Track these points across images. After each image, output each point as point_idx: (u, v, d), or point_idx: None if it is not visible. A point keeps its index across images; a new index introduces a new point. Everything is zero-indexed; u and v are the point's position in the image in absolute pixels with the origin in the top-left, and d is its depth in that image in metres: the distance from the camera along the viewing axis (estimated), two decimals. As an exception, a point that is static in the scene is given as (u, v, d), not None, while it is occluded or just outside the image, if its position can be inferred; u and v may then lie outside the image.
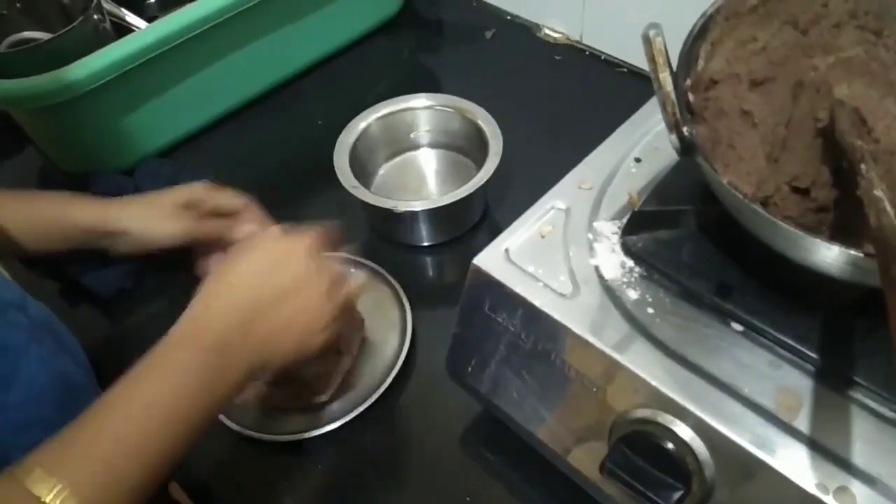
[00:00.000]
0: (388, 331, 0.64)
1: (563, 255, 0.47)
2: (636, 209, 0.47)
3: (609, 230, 0.48)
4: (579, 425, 0.45)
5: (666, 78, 0.36)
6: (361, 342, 0.62)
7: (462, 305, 0.49)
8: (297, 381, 0.59)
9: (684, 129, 0.38)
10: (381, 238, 0.74)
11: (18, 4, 0.80)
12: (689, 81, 0.42)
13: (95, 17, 0.78)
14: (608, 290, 0.44)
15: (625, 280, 0.45)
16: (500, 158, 0.68)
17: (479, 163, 0.73)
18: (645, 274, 0.45)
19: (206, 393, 0.42)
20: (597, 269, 0.46)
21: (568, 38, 0.91)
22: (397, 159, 0.79)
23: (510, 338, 0.47)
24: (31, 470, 0.37)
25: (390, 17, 0.97)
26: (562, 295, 0.45)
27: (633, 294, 0.44)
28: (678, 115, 0.37)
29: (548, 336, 0.44)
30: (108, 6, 0.82)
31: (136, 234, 0.66)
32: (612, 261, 0.46)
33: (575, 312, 0.44)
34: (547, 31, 0.92)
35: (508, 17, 0.96)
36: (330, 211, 0.76)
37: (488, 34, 0.94)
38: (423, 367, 0.63)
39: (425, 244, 0.73)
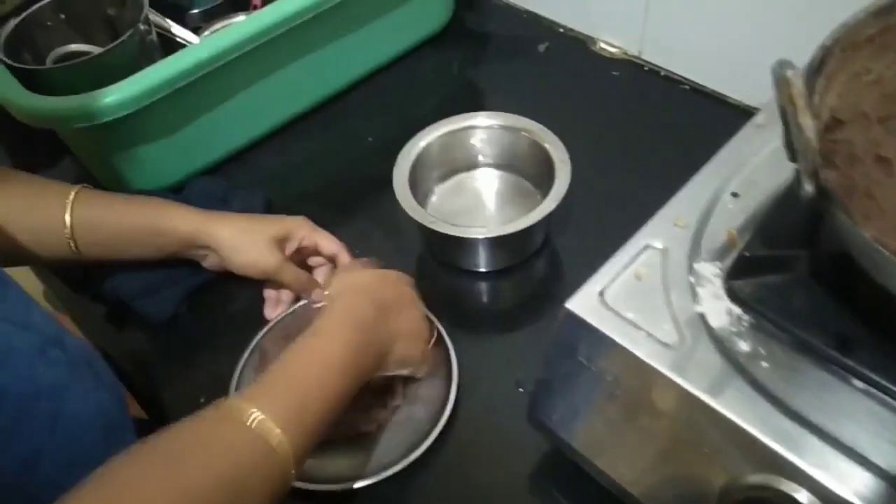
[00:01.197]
0: (436, 370, 0.61)
1: (664, 301, 0.44)
2: (742, 253, 0.44)
3: (711, 272, 0.45)
4: (685, 486, 0.42)
5: (808, 123, 0.33)
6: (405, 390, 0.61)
7: (551, 351, 0.46)
8: None
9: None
10: (437, 260, 0.72)
11: (63, 16, 0.78)
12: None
13: (142, 27, 0.75)
14: (716, 340, 0.41)
15: (734, 329, 0.42)
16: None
17: (540, 186, 0.70)
18: (755, 323, 0.42)
19: (357, 358, 0.50)
20: (702, 316, 0.43)
21: (625, 53, 0.88)
22: (454, 178, 0.75)
23: (606, 388, 0.44)
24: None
25: (438, 30, 0.94)
26: (666, 345, 0.42)
27: (744, 346, 0.41)
28: (818, 163, 0.34)
29: (651, 390, 0.41)
30: (154, 17, 0.79)
31: (224, 255, 0.64)
32: (718, 307, 0.43)
33: (683, 365, 0.41)
34: (602, 45, 0.89)
35: (561, 31, 0.93)
36: (383, 229, 0.74)
37: (541, 48, 0.91)
38: (479, 404, 0.60)
39: (482, 270, 0.70)
